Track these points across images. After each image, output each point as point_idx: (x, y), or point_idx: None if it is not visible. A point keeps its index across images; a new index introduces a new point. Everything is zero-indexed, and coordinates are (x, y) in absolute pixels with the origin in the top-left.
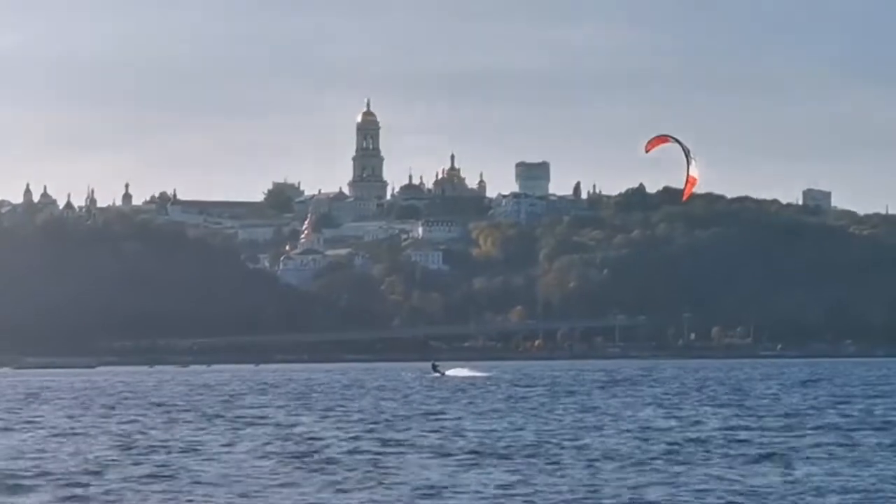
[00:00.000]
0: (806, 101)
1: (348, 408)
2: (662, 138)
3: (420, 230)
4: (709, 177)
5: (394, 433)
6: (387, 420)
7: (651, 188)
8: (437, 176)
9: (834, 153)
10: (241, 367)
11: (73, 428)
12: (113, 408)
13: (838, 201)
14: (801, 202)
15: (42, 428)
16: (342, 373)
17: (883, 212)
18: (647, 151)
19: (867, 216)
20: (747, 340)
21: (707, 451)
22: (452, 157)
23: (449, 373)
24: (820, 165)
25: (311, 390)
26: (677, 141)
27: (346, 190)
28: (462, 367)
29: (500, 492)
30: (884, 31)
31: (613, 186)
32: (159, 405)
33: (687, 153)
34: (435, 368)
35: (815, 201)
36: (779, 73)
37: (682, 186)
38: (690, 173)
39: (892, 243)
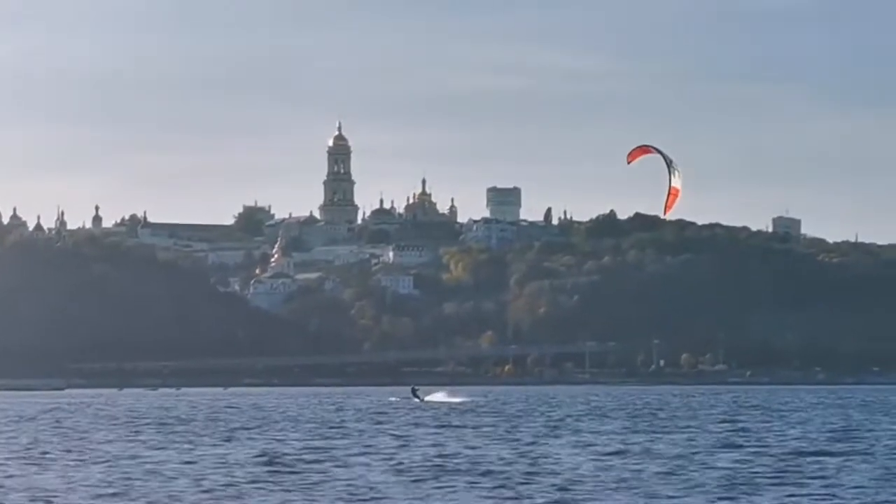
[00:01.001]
0: (776, 129)
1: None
2: (644, 149)
3: (391, 255)
4: (679, 204)
5: None
6: None
7: (622, 214)
8: (408, 200)
9: (804, 181)
10: (211, 391)
11: None
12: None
13: (808, 229)
14: (771, 229)
15: None
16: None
17: (852, 239)
18: (628, 162)
19: (837, 244)
20: (718, 367)
21: None
22: (424, 182)
23: (429, 398)
24: (790, 193)
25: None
26: (659, 152)
27: (316, 214)
28: (440, 391)
29: None
30: (855, 59)
31: (584, 212)
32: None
33: (669, 164)
34: (415, 393)
35: (785, 228)
36: (749, 100)
37: (652, 213)
38: (673, 184)
39: (861, 271)
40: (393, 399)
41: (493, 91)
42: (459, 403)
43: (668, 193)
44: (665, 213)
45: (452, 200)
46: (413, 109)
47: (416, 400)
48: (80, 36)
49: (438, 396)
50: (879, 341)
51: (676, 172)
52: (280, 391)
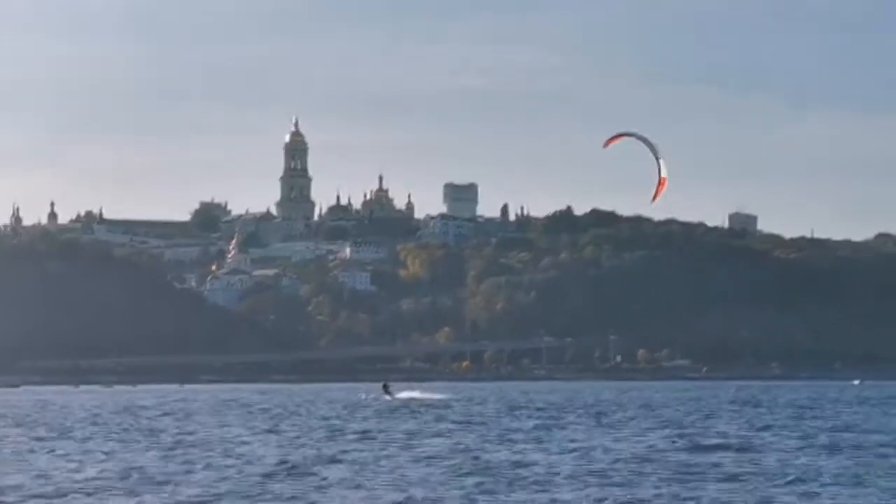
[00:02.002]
0: (732, 127)
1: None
2: (622, 135)
3: (348, 251)
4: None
5: None
6: None
7: (579, 210)
8: (365, 197)
9: (760, 177)
10: (167, 388)
11: None
12: None
13: (764, 224)
14: (727, 225)
15: None
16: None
17: (808, 235)
18: (604, 147)
19: (793, 239)
20: (678, 363)
21: None
22: (381, 178)
23: (400, 395)
24: (746, 189)
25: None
26: (642, 139)
27: (273, 210)
28: (413, 389)
29: None
30: (810, 61)
31: (541, 208)
32: None
33: (655, 152)
34: (386, 390)
35: (742, 224)
36: (706, 99)
37: (609, 209)
38: (662, 174)
39: (817, 266)
40: (363, 396)
41: (450, 88)
42: (438, 400)
43: (658, 183)
44: (653, 202)
45: (409, 197)
46: (370, 106)
47: (387, 397)
48: (37, 36)
49: (412, 393)
50: (836, 337)
51: (663, 161)
52: (237, 387)
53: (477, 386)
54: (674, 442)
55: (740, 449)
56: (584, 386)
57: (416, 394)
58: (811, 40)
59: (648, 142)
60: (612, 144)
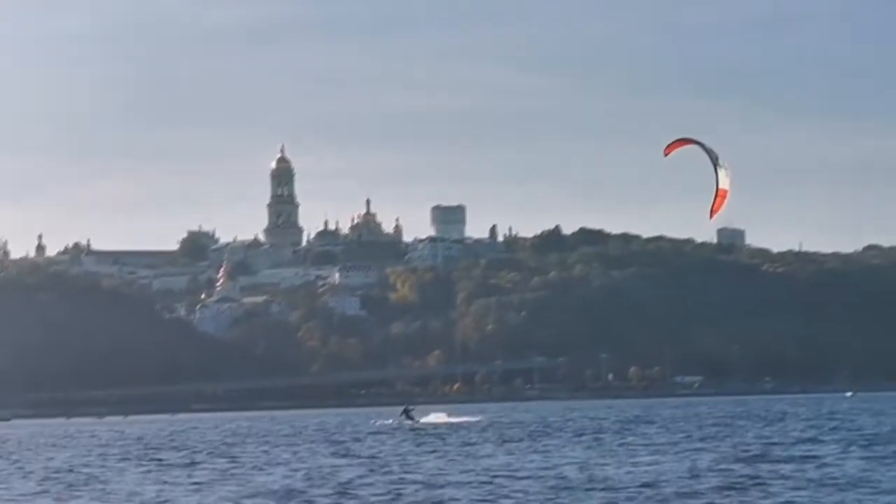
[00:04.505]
0: (718, 141)
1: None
2: (684, 141)
3: (336, 276)
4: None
5: None
6: None
7: (567, 229)
8: (352, 221)
9: (747, 191)
10: (158, 418)
11: None
12: None
13: (752, 239)
14: (715, 241)
15: None
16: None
17: (796, 249)
18: (665, 155)
19: (781, 253)
20: (686, 378)
21: None
22: (368, 202)
23: (426, 419)
24: (734, 204)
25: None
26: (702, 145)
27: (261, 237)
28: (440, 412)
29: None
30: (795, 71)
31: (529, 228)
32: None
33: (714, 161)
34: (408, 414)
35: (730, 239)
36: (692, 113)
37: (597, 227)
38: (720, 186)
39: (805, 280)
40: (389, 422)
41: (435, 110)
42: (475, 423)
43: (716, 195)
44: (711, 217)
45: (397, 220)
46: (355, 129)
47: (409, 422)
48: (22, 66)
49: (438, 417)
50: (827, 349)
51: (724, 171)
52: (231, 416)
53: (505, 406)
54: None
55: None
56: (604, 404)
57: (444, 417)
58: (797, 47)
59: (708, 149)
60: (672, 152)
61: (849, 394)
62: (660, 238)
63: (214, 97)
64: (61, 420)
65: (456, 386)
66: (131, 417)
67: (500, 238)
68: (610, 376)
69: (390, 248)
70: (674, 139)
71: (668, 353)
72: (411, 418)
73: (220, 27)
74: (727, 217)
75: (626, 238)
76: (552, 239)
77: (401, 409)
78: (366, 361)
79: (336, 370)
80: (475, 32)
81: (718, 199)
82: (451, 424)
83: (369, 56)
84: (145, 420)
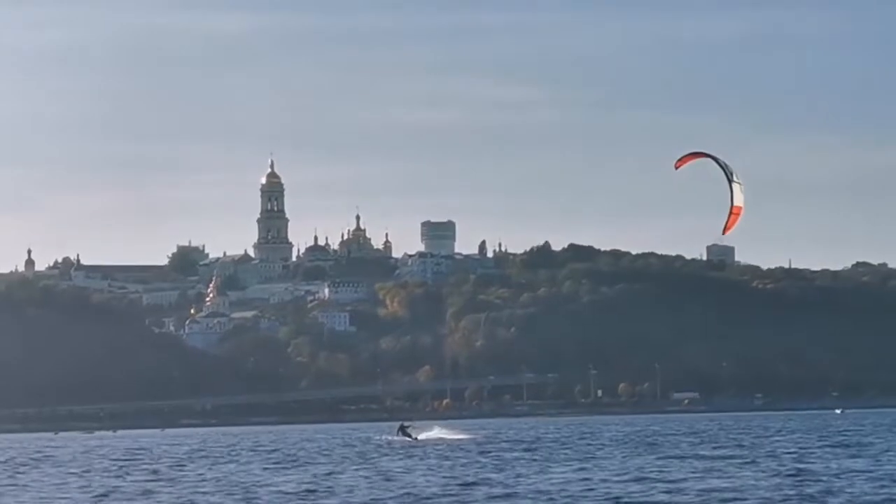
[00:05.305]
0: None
1: None
2: (696, 154)
3: (326, 291)
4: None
5: None
6: None
7: (556, 245)
8: (342, 237)
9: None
10: (148, 432)
11: None
12: None
13: (742, 256)
14: (705, 257)
15: None
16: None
17: (786, 265)
18: (676, 168)
19: (770, 270)
20: (684, 394)
21: None
22: (358, 218)
23: (423, 436)
24: (723, 220)
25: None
26: (716, 160)
27: (251, 252)
28: (436, 427)
29: None
30: (786, 85)
31: (519, 244)
32: None
33: (729, 177)
34: (404, 431)
35: (720, 256)
36: (681, 128)
37: (587, 244)
38: (735, 203)
39: (795, 297)
40: (389, 437)
41: (425, 125)
42: (472, 439)
43: (730, 213)
44: (725, 233)
45: (387, 235)
46: (345, 145)
47: (408, 439)
48: (11, 79)
49: (435, 433)
50: (817, 367)
51: (739, 187)
52: (223, 430)
53: (494, 423)
54: None
55: None
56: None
57: (440, 433)
58: (785, 63)
59: (723, 164)
60: (683, 165)
61: (838, 411)
62: (649, 254)
63: (204, 111)
64: (49, 434)
65: (445, 402)
66: (120, 432)
67: (490, 254)
68: (599, 392)
69: (380, 263)
70: (686, 153)
71: (657, 370)
72: (408, 435)
73: (211, 41)
74: (717, 233)
75: (615, 254)
76: (542, 255)
77: (396, 425)
78: (355, 377)
79: (325, 386)
80: (466, 46)
81: (732, 216)
82: (453, 440)
83: (360, 71)
84: (135, 435)
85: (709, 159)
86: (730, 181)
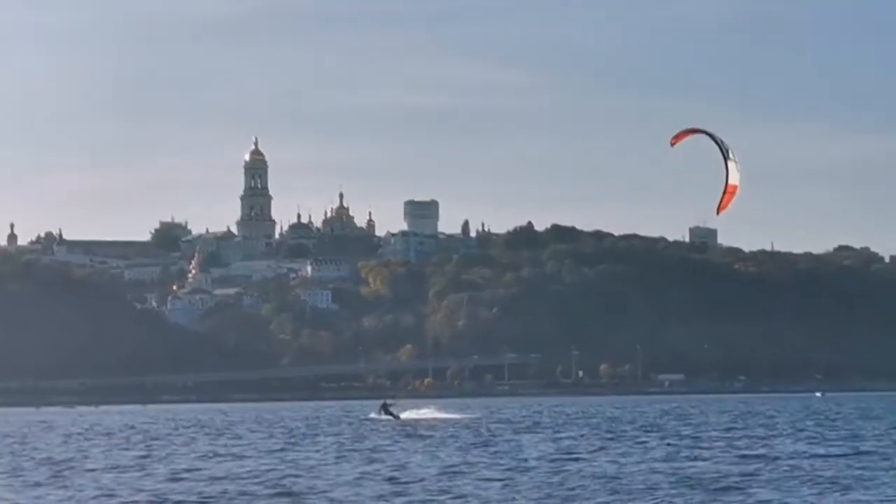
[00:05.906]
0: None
1: None
2: (692, 131)
3: (309, 269)
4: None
5: None
6: None
7: (539, 226)
8: (325, 215)
9: (720, 190)
10: (129, 408)
11: None
12: None
13: (724, 238)
14: (687, 239)
15: None
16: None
17: (768, 248)
18: (672, 145)
19: (752, 253)
20: (675, 377)
21: None
22: (341, 196)
23: (406, 415)
24: (706, 203)
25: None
26: (712, 136)
27: (234, 229)
28: (428, 406)
29: None
30: (771, 71)
31: (502, 224)
32: None
33: (725, 154)
34: (387, 410)
35: (702, 238)
36: (665, 112)
37: (569, 224)
38: (730, 181)
39: (777, 280)
40: (373, 415)
41: (410, 105)
42: (471, 419)
43: (724, 191)
44: (719, 213)
45: (370, 214)
46: (329, 124)
47: (387, 418)
48: None
49: (423, 412)
50: (798, 349)
51: (734, 164)
52: (208, 407)
53: (488, 402)
54: None
55: None
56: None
57: (431, 412)
58: (767, 48)
59: (719, 141)
60: (679, 143)
61: (818, 394)
62: (632, 236)
63: (189, 90)
64: (31, 409)
65: (427, 381)
66: (102, 407)
67: (473, 234)
68: (580, 373)
69: (363, 242)
70: (682, 129)
71: (639, 351)
72: (391, 414)
73: (195, 21)
74: (700, 216)
75: (598, 235)
76: (525, 235)
77: (378, 403)
78: (337, 355)
79: (307, 363)
80: (452, 29)
81: (727, 194)
82: (440, 420)
83: (345, 51)
84: (116, 410)
85: (705, 137)
86: (725, 159)
